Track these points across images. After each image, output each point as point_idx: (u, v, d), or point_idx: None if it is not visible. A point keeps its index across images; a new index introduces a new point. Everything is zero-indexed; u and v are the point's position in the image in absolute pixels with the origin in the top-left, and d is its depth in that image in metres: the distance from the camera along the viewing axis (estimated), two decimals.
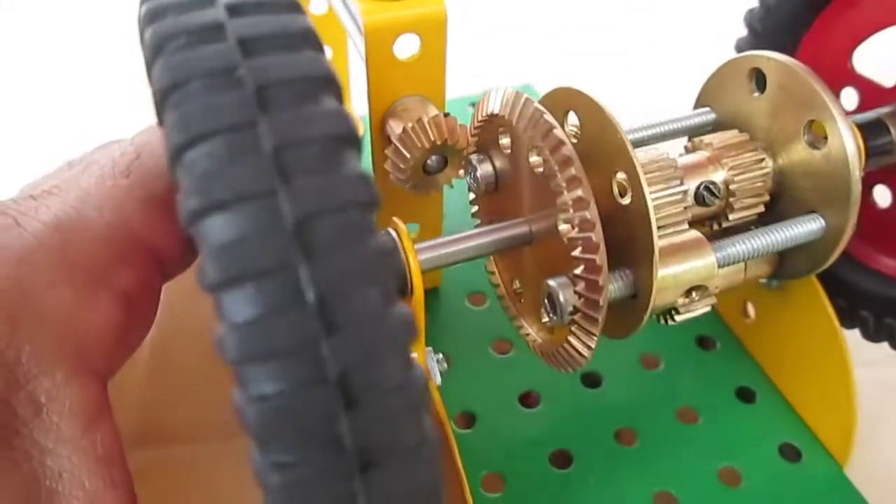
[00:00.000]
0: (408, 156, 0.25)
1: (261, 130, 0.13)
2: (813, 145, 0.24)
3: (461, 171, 0.27)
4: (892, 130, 0.27)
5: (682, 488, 0.29)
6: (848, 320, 0.30)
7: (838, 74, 0.31)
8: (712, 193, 0.24)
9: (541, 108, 0.21)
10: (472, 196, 0.27)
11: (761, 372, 0.33)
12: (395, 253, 0.21)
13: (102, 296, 0.18)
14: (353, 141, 0.14)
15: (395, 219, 0.22)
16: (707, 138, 0.25)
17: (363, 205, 0.14)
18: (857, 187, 0.23)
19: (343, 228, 0.13)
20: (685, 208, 0.24)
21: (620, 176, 0.21)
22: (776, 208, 0.26)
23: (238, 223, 0.13)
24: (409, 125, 0.25)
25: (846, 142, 0.23)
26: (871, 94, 0.29)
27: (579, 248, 0.20)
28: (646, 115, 0.27)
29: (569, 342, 0.22)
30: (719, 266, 0.23)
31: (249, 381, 0.13)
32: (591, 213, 0.20)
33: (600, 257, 0.20)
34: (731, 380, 0.33)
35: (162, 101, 0.14)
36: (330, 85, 0.14)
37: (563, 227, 0.21)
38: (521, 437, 0.30)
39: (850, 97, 0.31)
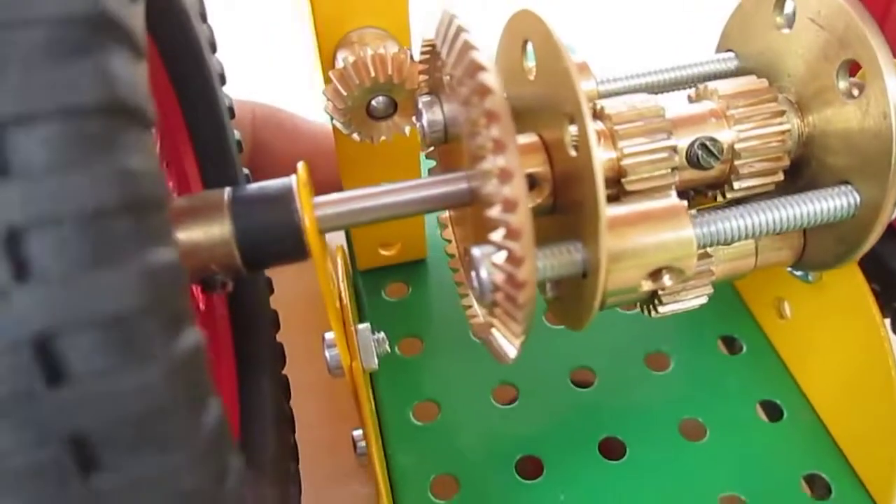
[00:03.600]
0: (344, 93, 0.21)
1: None
2: (849, 95, 0.18)
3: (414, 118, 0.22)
4: None
5: None
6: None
7: None
8: (710, 153, 0.19)
9: (470, 40, 0.16)
10: (429, 148, 0.23)
11: (794, 384, 0.27)
12: (283, 205, 0.17)
13: None
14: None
15: (300, 164, 0.18)
16: (714, 84, 0.20)
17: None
18: None
19: None
20: (672, 170, 0.19)
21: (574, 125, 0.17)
22: (802, 177, 0.20)
23: None
24: (351, 60, 0.21)
25: (889, 89, 0.17)
26: None
27: (498, 211, 0.15)
28: None
29: (494, 330, 0.18)
30: (704, 245, 0.18)
31: None
32: (514, 189, 0.15)
33: (525, 232, 0.15)
34: (755, 391, 0.27)
35: None
36: None
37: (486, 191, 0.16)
38: (488, 436, 0.26)
39: None
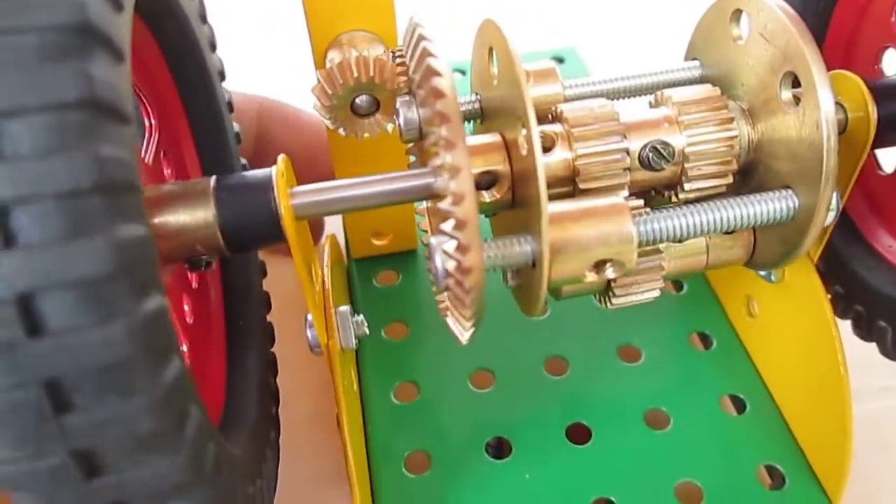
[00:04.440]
0: (329, 92, 0.23)
1: None
2: (790, 105, 0.19)
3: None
4: None
5: (630, 498, 0.25)
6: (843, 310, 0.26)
7: (880, 32, 0.25)
8: (661, 156, 0.20)
9: (429, 47, 0.18)
10: (409, 145, 0.24)
11: (759, 380, 0.28)
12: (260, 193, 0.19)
13: None
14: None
15: (280, 156, 0.20)
16: (670, 91, 0.21)
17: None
18: (831, 159, 0.18)
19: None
20: (625, 170, 0.20)
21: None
22: (753, 180, 0.22)
23: None
24: (337, 61, 0.23)
25: (821, 101, 0.18)
26: None
27: (447, 204, 0.17)
28: None
29: (448, 314, 0.19)
30: (647, 241, 0.19)
31: None
32: (461, 184, 0.16)
33: (470, 223, 0.17)
34: (720, 385, 0.28)
35: None
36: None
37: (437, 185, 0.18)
38: (462, 418, 0.28)
39: (891, 59, 0.25)
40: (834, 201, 0.19)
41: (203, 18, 0.24)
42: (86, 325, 0.12)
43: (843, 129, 0.22)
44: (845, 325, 0.26)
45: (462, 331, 0.19)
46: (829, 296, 0.27)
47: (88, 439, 0.13)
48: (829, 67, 0.27)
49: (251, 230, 0.20)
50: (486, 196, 0.20)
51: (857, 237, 0.27)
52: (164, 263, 0.20)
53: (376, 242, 0.32)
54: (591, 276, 0.19)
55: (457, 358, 0.29)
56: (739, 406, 0.28)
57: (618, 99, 0.24)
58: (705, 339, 0.30)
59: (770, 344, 0.28)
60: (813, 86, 0.18)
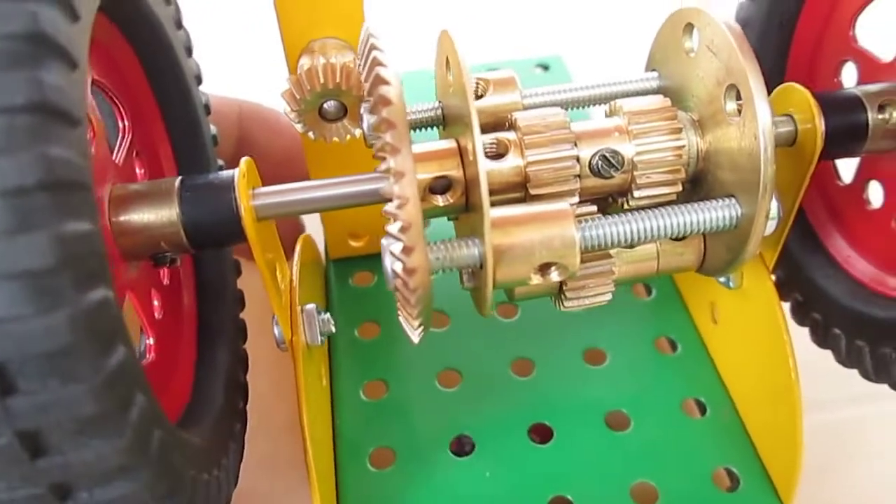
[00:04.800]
0: (298, 97, 0.24)
1: None
2: (733, 116, 0.20)
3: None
4: (870, 112, 0.22)
5: (587, 497, 0.26)
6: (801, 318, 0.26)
7: (840, 45, 0.26)
8: (610, 164, 0.21)
9: (379, 56, 0.18)
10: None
11: (720, 385, 0.29)
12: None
13: None
14: None
15: (243, 159, 0.21)
16: (622, 101, 0.22)
17: None
18: (769, 169, 0.19)
19: None
20: (574, 177, 0.21)
21: None
22: (702, 189, 0.22)
23: None
24: (305, 67, 0.24)
25: (759, 112, 0.19)
26: (869, 69, 0.25)
27: (392, 207, 0.18)
28: None
29: (399, 314, 0.20)
30: (591, 246, 0.20)
31: None
32: (404, 188, 0.17)
33: (414, 225, 0.17)
34: (682, 389, 0.29)
35: None
36: None
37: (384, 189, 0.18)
38: (428, 416, 0.28)
39: (851, 72, 0.26)
40: (774, 210, 0.20)
41: (178, 24, 0.24)
42: (29, 314, 0.13)
43: (792, 140, 0.23)
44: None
45: (412, 330, 0.20)
46: (788, 303, 0.28)
47: (33, 421, 0.13)
48: (793, 79, 0.28)
49: (213, 229, 0.20)
50: (441, 200, 0.21)
51: (817, 246, 0.28)
52: (128, 259, 0.20)
53: (353, 244, 0.33)
54: (536, 279, 0.20)
55: (426, 358, 0.30)
56: (701, 410, 0.29)
57: (580, 108, 0.24)
58: (671, 344, 0.31)
59: (731, 349, 0.29)
60: (751, 98, 0.19)
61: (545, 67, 0.44)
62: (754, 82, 0.19)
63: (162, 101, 0.25)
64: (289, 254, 0.25)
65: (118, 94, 0.22)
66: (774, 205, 0.20)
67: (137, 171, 0.24)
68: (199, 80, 0.26)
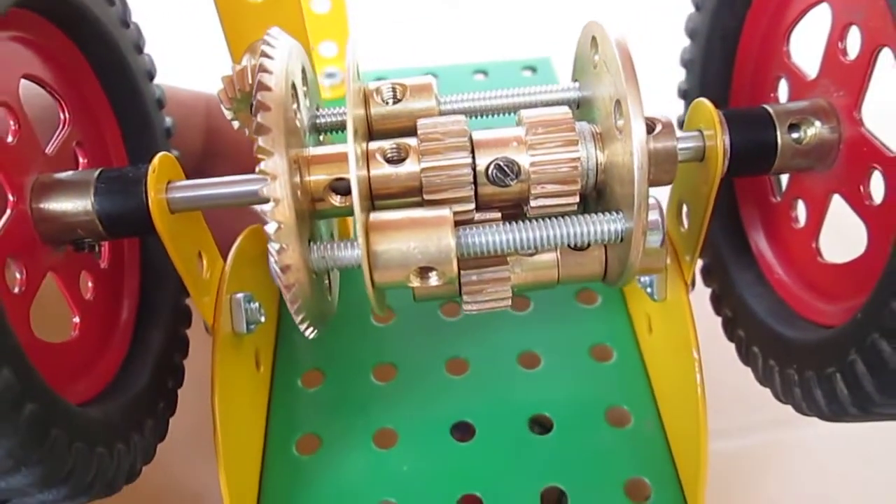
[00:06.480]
0: (230, 95, 0.25)
1: None
2: (620, 131, 0.20)
3: None
4: (780, 130, 0.22)
5: (496, 496, 0.26)
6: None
7: (775, 60, 0.26)
8: (504, 173, 0.21)
9: (265, 63, 0.19)
10: None
11: (650, 395, 0.29)
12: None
13: None
14: None
15: (160, 154, 0.22)
16: (524, 112, 0.22)
17: None
18: (643, 186, 0.19)
19: None
20: (469, 184, 0.22)
21: None
22: (602, 202, 0.22)
23: None
24: (238, 68, 0.25)
25: (634, 129, 0.19)
26: (797, 86, 0.24)
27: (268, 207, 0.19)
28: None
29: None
30: (469, 254, 0.21)
31: None
32: (277, 190, 0.18)
33: (286, 226, 0.18)
34: (609, 397, 0.29)
35: None
36: None
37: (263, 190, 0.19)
38: (357, 407, 0.29)
39: (784, 90, 0.26)
40: (656, 225, 0.20)
41: (125, 24, 0.26)
42: None
43: (702, 156, 0.23)
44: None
45: (302, 325, 0.21)
46: (718, 317, 0.28)
47: None
48: (738, 93, 0.27)
49: (124, 219, 0.22)
50: (337, 201, 0.22)
51: (751, 263, 0.27)
52: (49, 243, 0.22)
53: None
54: (416, 282, 0.20)
55: (365, 351, 0.31)
56: (623, 419, 0.29)
57: (495, 115, 0.25)
58: (609, 352, 0.31)
59: (659, 361, 0.29)
60: (629, 115, 0.19)
61: (533, 69, 0.44)
62: (632, 99, 0.19)
63: (111, 96, 0.26)
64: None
65: (56, 89, 0.24)
66: (656, 219, 0.20)
67: (81, 160, 0.25)
68: (150, 76, 0.28)
